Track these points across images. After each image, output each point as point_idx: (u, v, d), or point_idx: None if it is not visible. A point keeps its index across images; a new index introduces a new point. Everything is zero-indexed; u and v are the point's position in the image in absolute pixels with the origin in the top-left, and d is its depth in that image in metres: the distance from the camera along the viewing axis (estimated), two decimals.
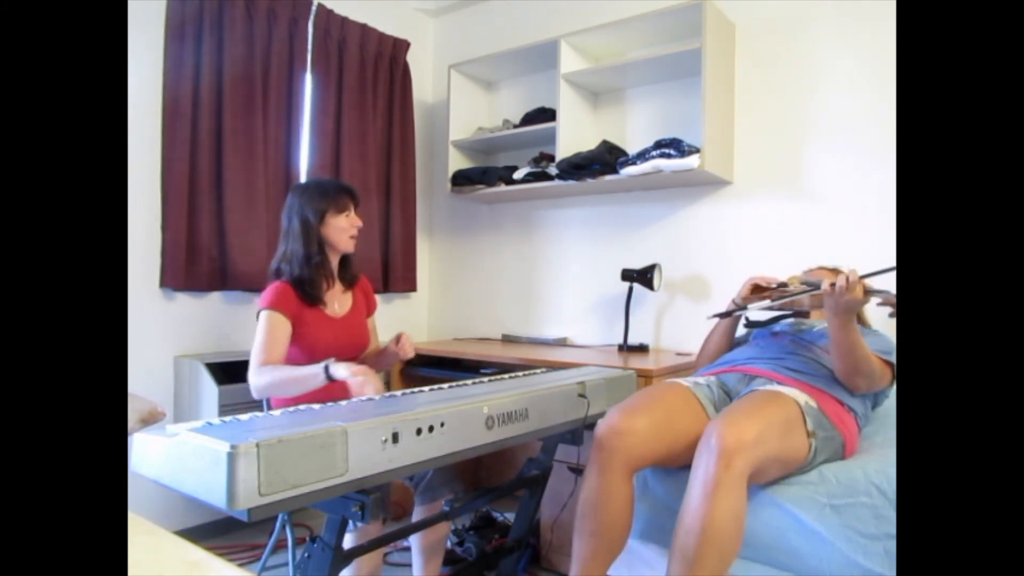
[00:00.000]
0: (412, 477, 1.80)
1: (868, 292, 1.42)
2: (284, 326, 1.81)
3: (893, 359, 1.59)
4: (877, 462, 1.46)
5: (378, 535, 1.65)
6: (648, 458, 1.47)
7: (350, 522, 1.23)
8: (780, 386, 1.53)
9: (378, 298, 2.22)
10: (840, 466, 1.46)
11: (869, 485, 1.38)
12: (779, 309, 1.75)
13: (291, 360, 1.84)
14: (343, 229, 1.90)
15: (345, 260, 1.98)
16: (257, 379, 1.74)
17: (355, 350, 1.95)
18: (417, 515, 1.85)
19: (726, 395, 1.66)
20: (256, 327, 1.82)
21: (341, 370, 1.66)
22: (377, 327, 2.13)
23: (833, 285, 1.42)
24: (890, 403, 1.86)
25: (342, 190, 1.92)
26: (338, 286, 1.98)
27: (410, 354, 1.93)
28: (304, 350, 1.84)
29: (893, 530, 1.30)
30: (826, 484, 1.40)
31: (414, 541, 1.82)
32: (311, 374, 1.69)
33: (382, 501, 1.77)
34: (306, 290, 1.84)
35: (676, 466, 1.54)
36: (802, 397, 1.49)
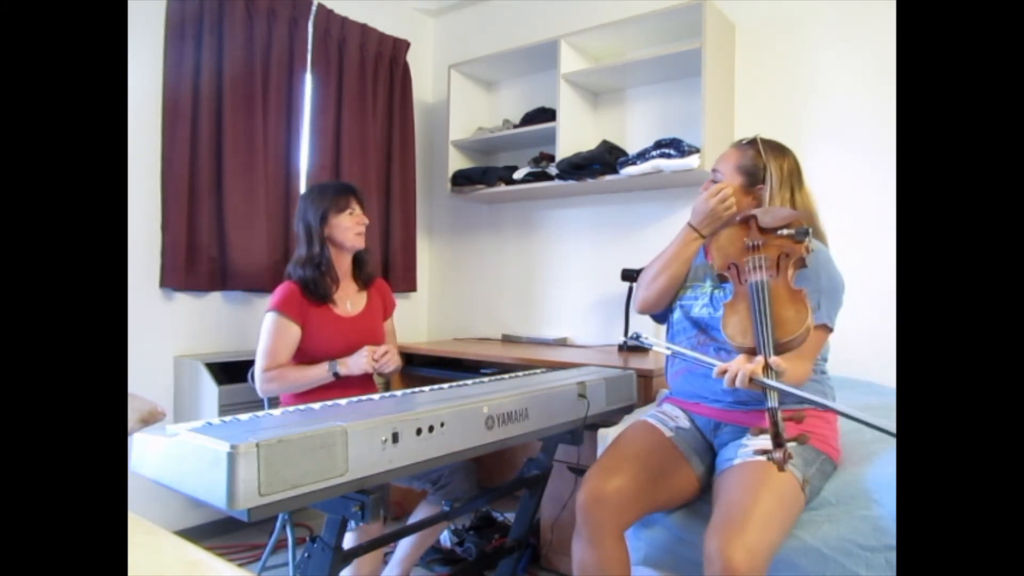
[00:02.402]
0: (435, 481, 1.83)
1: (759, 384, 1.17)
2: (289, 328, 1.85)
3: (822, 316, 1.37)
4: (874, 473, 1.45)
5: (379, 534, 1.66)
6: (635, 516, 1.41)
7: (350, 522, 1.23)
8: (759, 453, 1.31)
9: None
10: (836, 483, 1.44)
11: (868, 499, 1.37)
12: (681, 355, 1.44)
13: (298, 358, 1.89)
14: (347, 227, 1.92)
15: (360, 260, 2.02)
16: (264, 385, 1.84)
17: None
18: (424, 511, 1.86)
19: (704, 440, 1.56)
20: (262, 329, 1.88)
21: (348, 366, 1.83)
22: (396, 330, 2.16)
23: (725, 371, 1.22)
24: (889, 402, 1.86)
25: (342, 190, 1.96)
26: (351, 286, 2.01)
27: (386, 369, 1.90)
28: (311, 348, 1.88)
29: (893, 541, 1.29)
30: (825, 506, 1.39)
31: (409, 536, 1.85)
32: (318, 375, 1.83)
33: (382, 500, 1.80)
34: (310, 289, 1.88)
35: (666, 511, 1.50)
36: (787, 445, 1.33)
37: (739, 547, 1.16)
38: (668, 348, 1.38)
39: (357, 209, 1.95)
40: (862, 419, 1.07)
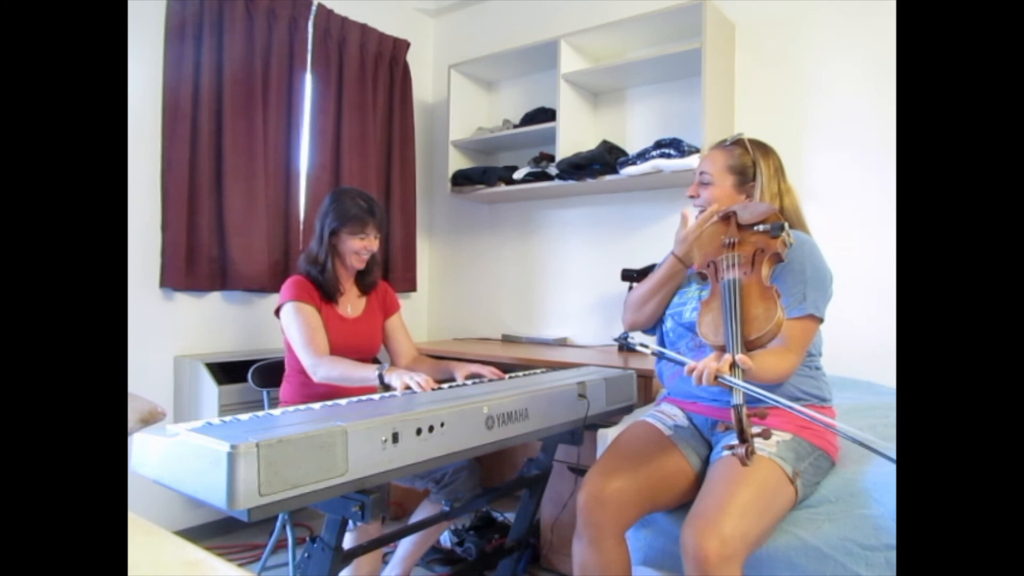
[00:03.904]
0: (439, 479, 1.83)
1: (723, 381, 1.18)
2: (313, 313, 1.88)
3: (808, 307, 1.37)
4: (873, 472, 1.45)
5: (378, 535, 1.66)
6: (636, 516, 1.41)
7: (350, 522, 1.23)
8: (727, 449, 1.32)
9: None
10: (836, 481, 1.44)
11: (867, 498, 1.37)
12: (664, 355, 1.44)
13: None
14: (353, 250, 1.95)
15: (365, 267, 2.03)
16: (319, 371, 1.79)
17: (363, 352, 2.01)
18: (426, 510, 1.86)
19: (703, 438, 1.56)
20: (286, 323, 1.88)
21: (395, 380, 1.66)
22: (406, 326, 2.17)
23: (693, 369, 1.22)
24: (889, 402, 1.86)
25: (366, 213, 1.94)
26: (353, 290, 2.05)
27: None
28: None
29: (893, 540, 1.29)
30: (824, 504, 1.39)
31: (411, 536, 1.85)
32: (366, 377, 1.73)
33: (382, 500, 1.79)
34: (319, 286, 1.93)
35: (666, 510, 1.50)
36: (772, 440, 1.34)
37: (712, 538, 1.18)
38: (647, 347, 1.38)
39: (371, 236, 1.96)
40: (840, 430, 1.10)
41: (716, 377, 1.16)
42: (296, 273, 1.97)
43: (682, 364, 1.26)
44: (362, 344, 1.99)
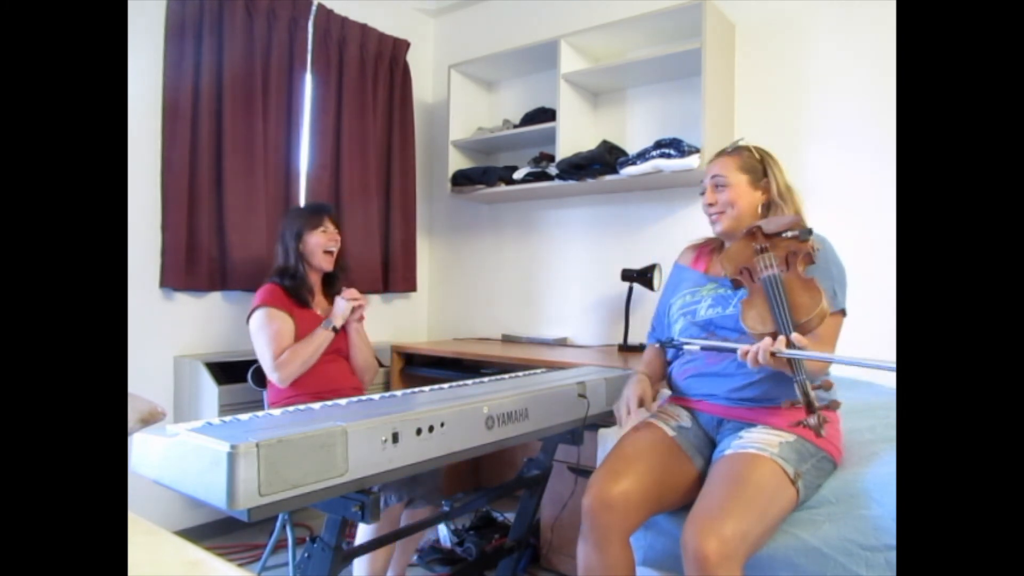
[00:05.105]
0: (401, 497, 1.83)
1: (782, 358, 1.25)
2: (283, 318, 1.95)
3: (839, 302, 1.44)
4: (875, 472, 1.45)
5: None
6: (642, 519, 1.41)
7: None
8: (751, 445, 1.39)
9: (378, 298, 2.28)
10: (837, 483, 1.44)
11: (868, 499, 1.37)
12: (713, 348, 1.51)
13: None
14: (319, 244, 2.08)
15: (329, 278, 2.17)
16: (280, 372, 1.91)
17: (341, 351, 2.09)
18: (407, 516, 1.86)
19: (707, 438, 1.57)
20: (254, 329, 1.95)
21: (338, 318, 2.01)
22: (367, 336, 2.22)
23: (747, 352, 1.30)
24: (889, 402, 1.86)
25: (316, 209, 2.14)
26: (322, 301, 2.14)
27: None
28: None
29: (893, 541, 1.29)
30: (825, 505, 1.39)
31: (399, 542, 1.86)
32: (320, 336, 1.97)
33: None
34: (291, 293, 2.02)
35: (671, 511, 1.50)
36: (775, 440, 1.39)
37: (712, 537, 1.19)
38: (693, 344, 1.50)
39: (330, 227, 2.10)
40: (862, 363, 1.21)
41: (772, 354, 1.24)
42: (268, 282, 2.04)
43: (732, 351, 1.37)
44: (335, 345, 2.05)
